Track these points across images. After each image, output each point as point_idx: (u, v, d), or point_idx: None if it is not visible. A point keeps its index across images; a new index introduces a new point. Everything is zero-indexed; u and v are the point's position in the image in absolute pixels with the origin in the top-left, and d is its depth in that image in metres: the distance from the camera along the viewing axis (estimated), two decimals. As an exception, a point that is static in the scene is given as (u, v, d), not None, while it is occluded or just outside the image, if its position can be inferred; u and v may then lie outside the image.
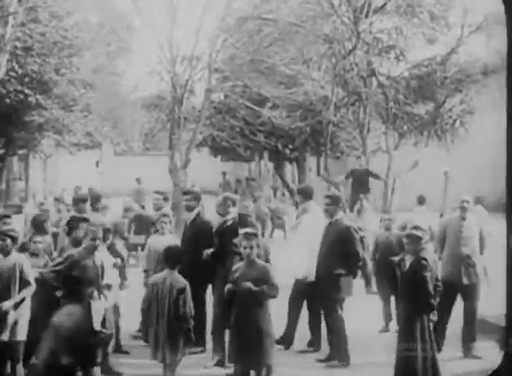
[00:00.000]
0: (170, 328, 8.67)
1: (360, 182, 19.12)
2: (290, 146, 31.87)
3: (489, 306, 10.78)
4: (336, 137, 28.20)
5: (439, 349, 9.46)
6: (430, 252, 9.12)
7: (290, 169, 36.27)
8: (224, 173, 28.67)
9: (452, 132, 21.63)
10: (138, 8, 24.39)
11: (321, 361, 10.18)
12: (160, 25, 23.59)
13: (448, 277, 10.31)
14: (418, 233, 8.83)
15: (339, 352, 10.04)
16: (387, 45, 21.59)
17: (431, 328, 8.80)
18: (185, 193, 11.44)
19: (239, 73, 24.22)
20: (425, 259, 8.71)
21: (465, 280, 10.49)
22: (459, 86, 21.09)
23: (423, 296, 8.72)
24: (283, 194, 33.58)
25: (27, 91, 25.33)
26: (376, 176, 19.80)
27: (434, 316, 8.85)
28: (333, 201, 10.26)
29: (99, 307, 8.87)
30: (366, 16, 20.77)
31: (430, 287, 8.69)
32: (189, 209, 11.07)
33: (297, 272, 10.70)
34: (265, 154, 33.84)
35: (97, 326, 8.85)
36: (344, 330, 10.04)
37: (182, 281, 8.84)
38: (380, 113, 21.52)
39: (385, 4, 21.08)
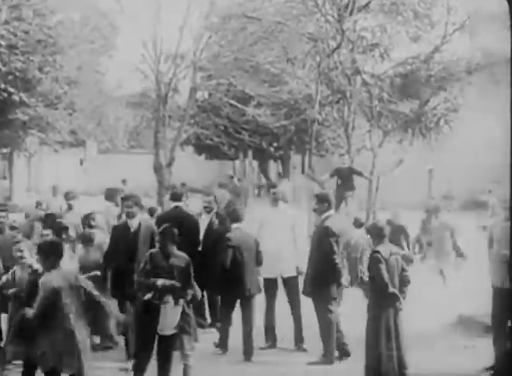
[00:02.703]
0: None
1: (345, 180, 19.12)
2: (275, 145, 31.88)
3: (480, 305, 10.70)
4: (321, 135, 28.23)
5: None
6: (387, 246, 9.05)
7: (274, 167, 36.29)
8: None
9: (436, 130, 21.66)
10: (122, 6, 24.38)
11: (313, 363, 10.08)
12: (144, 23, 23.57)
13: None
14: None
15: (325, 350, 10.01)
16: (372, 43, 21.58)
17: (399, 327, 8.80)
18: (124, 199, 10.23)
19: (224, 71, 24.21)
20: (378, 252, 8.77)
21: None
22: (443, 84, 21.10)
23: (380, 287, 8.76)
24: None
25: (10, 89, 25.24)
26: (360, 174, 19.81)
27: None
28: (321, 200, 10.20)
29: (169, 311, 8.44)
30: (350, 14, 20.75)
31: (385, 277, 8.66)
32: (131, 216, 9.78)
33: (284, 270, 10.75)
34: (250, 152, 33.82)
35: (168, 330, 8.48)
36: (332, 330, 9.98)
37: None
38: (365, 112, 21.52)
39: (369, 2, 21.07)
